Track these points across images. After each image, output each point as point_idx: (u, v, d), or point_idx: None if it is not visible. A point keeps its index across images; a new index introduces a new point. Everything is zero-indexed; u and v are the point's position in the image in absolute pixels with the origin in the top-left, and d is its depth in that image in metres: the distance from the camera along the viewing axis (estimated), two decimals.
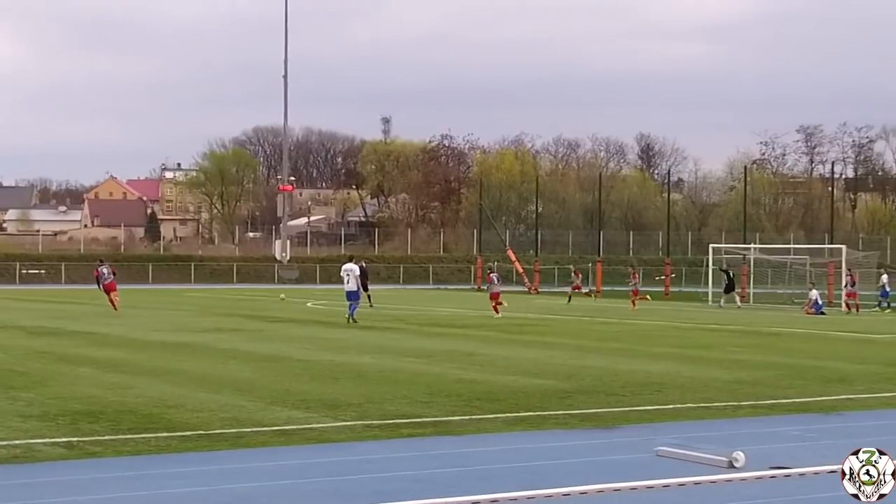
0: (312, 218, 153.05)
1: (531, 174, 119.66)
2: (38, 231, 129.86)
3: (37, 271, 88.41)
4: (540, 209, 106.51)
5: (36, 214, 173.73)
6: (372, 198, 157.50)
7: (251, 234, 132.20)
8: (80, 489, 11.00)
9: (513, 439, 14.04)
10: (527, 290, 76.56)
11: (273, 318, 41.10)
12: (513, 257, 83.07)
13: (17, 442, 13.19)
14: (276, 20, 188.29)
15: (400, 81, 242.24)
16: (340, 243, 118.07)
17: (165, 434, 13.84)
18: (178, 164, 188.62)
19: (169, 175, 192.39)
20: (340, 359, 24.13)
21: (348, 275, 39.49)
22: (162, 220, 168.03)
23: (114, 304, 44.94)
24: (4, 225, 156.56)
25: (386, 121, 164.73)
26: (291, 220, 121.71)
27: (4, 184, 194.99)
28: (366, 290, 47.91)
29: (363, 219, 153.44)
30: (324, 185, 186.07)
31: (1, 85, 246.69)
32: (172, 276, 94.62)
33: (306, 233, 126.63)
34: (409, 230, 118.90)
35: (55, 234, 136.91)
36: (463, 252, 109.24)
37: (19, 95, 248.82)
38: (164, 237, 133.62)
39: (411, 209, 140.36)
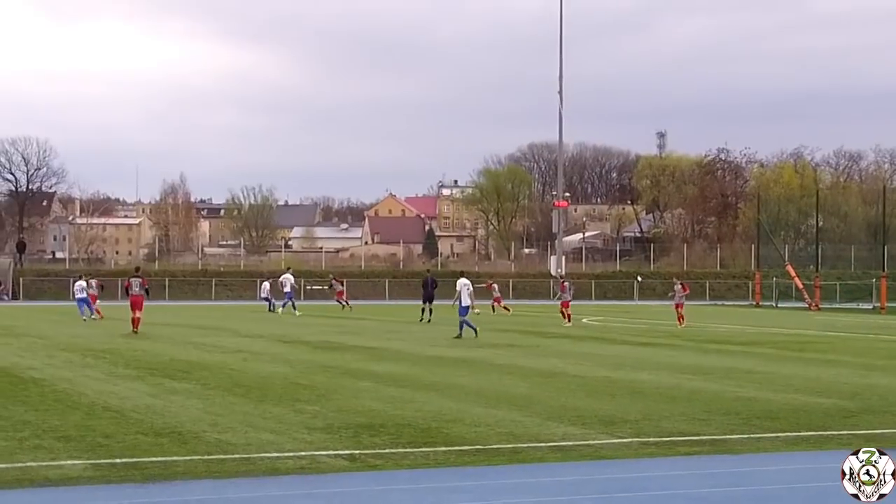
0: (587, 234, 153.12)
1: (811, 188, 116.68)
2: (321, 248, 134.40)
3: (320, 287, 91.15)
4: (820, 223, 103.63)
5: (319, 232, 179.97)
6: (647, 213, 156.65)
7: (527, 250, 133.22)
8: (362, 501, 11.30)
9: (793, 459, 13.70)
10: (807, 306, 74.68)
11: (548, 333, 41.25)
12: (792, 273, 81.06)
13: (302, 453, 13.63)
14: (549, 36, 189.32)
15: (674, 95, 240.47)
16: (616, 259, 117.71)
17: (444, 448, 14.06)
18: (455, 181, 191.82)
19: (446, 192, 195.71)
20: (616, 375, 24.03)
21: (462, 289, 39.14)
22: (440, 236, 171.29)
23: (134, 323, 40.09)
24: (290, 242, 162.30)
25: (661, 135, 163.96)
26: (567, 235, 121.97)
27: (290, 202, 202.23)
28: (431, 301, 49.37)
29: (638, 234, 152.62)
30: (598, 200, 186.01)
31: (288, 108, 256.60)
32: (451, 291, 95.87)
33: (581, 249, 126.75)
34: (686, 245, 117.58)
35: (337, 251, 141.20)
36: (740, 267, 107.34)
37: (304, 117, 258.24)
38: (441, 253, 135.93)
39: (687, 224, 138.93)
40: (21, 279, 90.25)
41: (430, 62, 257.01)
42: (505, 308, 59.20)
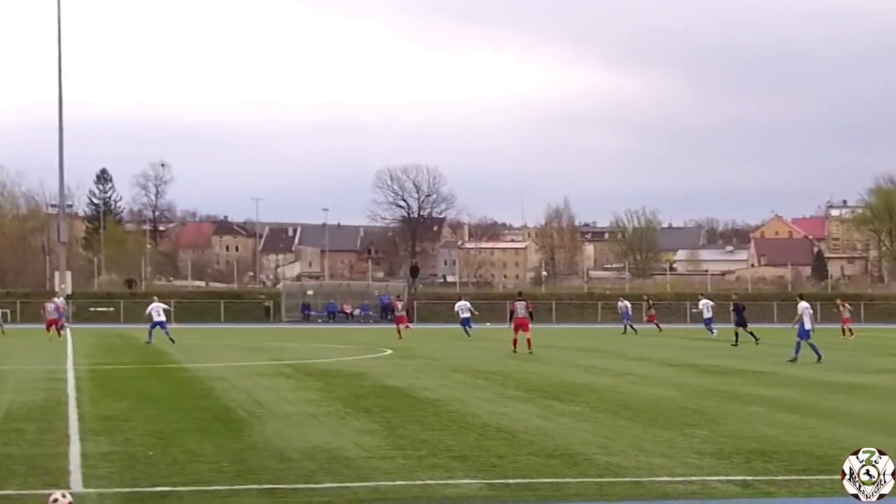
0: None
1: None
2: (706, 270, 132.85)
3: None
4: None
5: (704, 254, 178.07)
6: None
7: None
8: None
9: None
10: None
11: None
12: None
13: (693, 478, 13.50)
14: None
15: None
16: None
17: (840, 477, 13.57)
18: (844, 202, 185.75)
19: (835, 212, 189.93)
20: None
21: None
22: (829, 258, 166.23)
23: (528, 344, 40.89)
24: (674, 265, 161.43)
25: None
26: None
27: (673, 224, 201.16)
28: (744, 325, 48.33)
29: None
30: None
31: (662, 129, 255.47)
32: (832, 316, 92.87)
33: None
34: None
35: (723, 274, 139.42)
36: None
37: (678, 138, 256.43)
38: (831, 276, 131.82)
39: None
40: (415, 302, 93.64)
41: (810, 79, 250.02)
42: (849, 331, 56.91)
